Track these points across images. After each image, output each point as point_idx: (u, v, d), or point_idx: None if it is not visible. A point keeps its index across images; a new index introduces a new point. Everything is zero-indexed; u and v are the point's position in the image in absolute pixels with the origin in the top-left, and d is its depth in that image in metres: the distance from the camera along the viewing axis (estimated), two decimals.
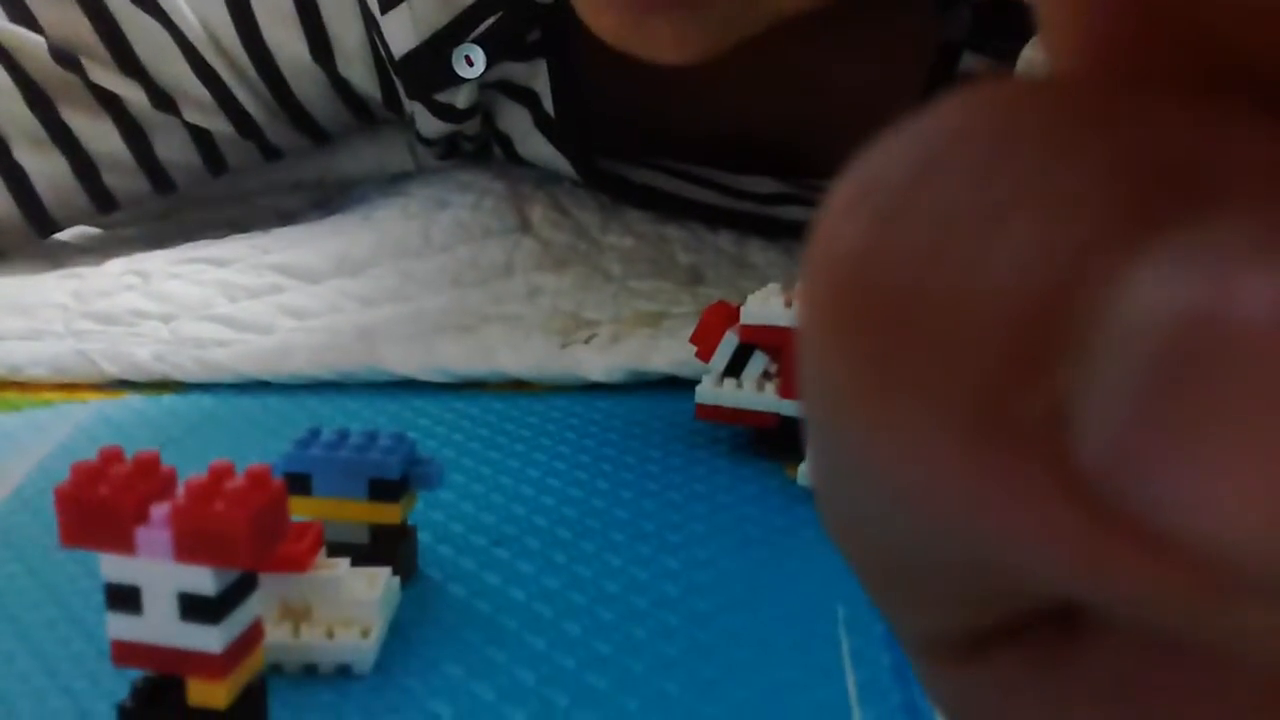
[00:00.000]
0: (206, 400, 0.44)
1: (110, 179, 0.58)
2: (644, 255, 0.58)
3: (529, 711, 0.25)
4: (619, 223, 0.61)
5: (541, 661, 0.27)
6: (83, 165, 0.57)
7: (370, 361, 0.45)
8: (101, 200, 0.58)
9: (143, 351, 0.46)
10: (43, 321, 0.49)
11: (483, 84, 0.58)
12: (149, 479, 0.22)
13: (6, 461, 0.38)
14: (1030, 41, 0.36)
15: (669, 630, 0.28)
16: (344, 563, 0.27)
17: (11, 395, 0.44)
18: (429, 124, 0.60)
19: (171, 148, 0.58)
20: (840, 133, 0.63)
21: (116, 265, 0.54)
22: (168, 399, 0.44)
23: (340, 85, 0.59)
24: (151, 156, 0.58)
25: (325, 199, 0.65)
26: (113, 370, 0.45)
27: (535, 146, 0.61)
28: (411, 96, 0.58)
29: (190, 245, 0.56)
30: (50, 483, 0.35)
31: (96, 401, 0.44)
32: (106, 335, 0.47)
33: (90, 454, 0.22)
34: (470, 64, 0.55)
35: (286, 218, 0.63)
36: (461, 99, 0.57)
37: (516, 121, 0.61)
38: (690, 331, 0.39)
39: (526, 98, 0.59)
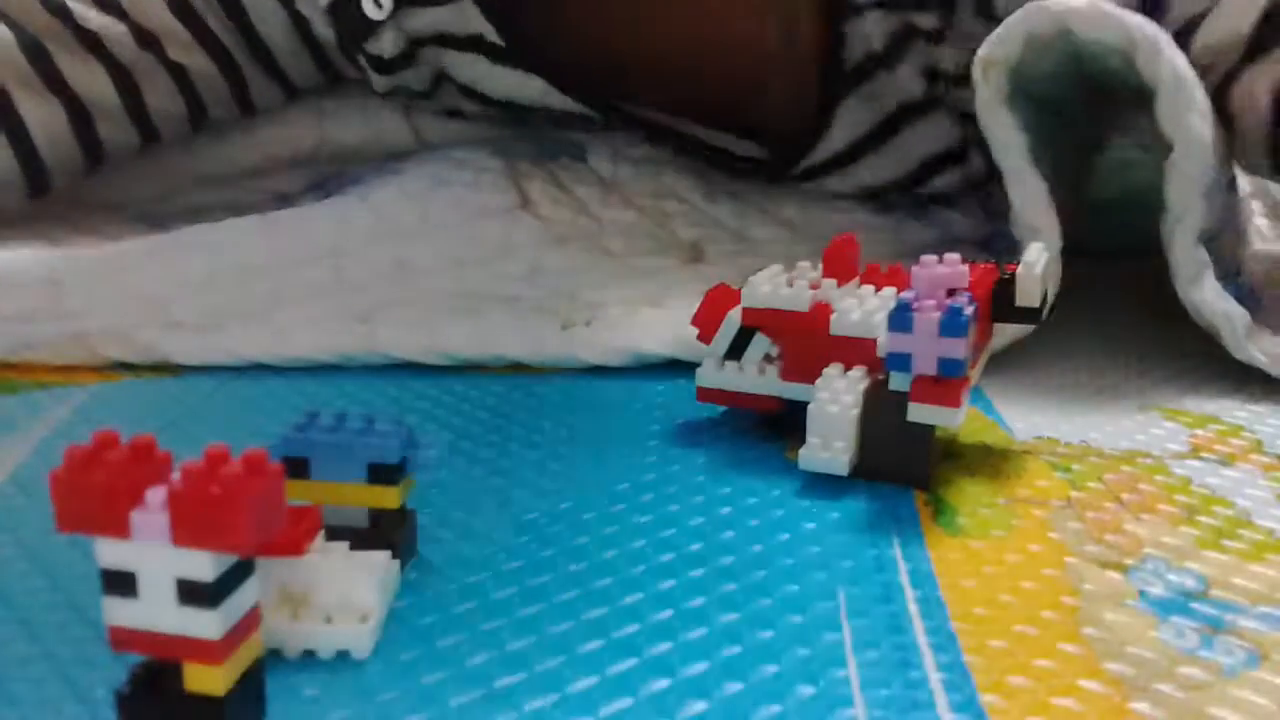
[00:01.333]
0: (204, 383, 0.43)
1: (103, 128, 0.58)
2: (644, 230, 0.58)
3: (531, 693, 0.25)
4: (619, 197, 0.60)
5: (542, 644, 0.26)
6: (77, 113, 0.57)
7: (370, 345, 0.45)
8: (92, 151, 0.59)
9: (142, 334, 0.45)
10: (40, 303, 0.49)
11: (423, 41, 0.60)
12: (145, 463, 0.22)
13: (3, 444, 0.38)
14: (1035, 247, 0.36)
15: (672, 613, 0.28)
16: (343, 547, 0.27)
17: (8, 378, 0.44)
18: (374, 80, 0.61)
19: (158, 93, 0.59)
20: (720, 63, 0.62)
21: (114, 247, 0.54)
22: (165, 381, 0.44)
23: (302, 28, 0.60)
24: (140, 103, 0.59)
25: (321, 179, 0.65)
26: (112, 353, 0.45)
27: (501, 80, 0.61)
28: (342, 48, 0.60)
29: (189, 229, 0.56)
30: (47, 466, 0.35)
31: (94, 384, 0.43)
32: (105, 317, 0.47)
33: (87, 437, 0.22)
34: (379, 6, 0.57)
35: (284, 200, 0.62)
36: (386, 46, 0.59)
37: (473, 67, 0.61)
38: (691, 312, 0.38)
39: (470, 44, 0.60)
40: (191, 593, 0.21)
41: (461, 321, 0.47)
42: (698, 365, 0.38)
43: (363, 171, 0.64)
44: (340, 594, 0.26)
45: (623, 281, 0.52)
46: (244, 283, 0.51)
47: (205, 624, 0.21)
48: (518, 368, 0.45)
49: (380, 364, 0.45)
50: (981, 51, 0.43)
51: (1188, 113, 0.40)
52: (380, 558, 0.27)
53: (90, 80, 0.57)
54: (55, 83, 0.56)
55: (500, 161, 0.62)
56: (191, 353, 0.45)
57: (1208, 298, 0.41)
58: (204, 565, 0.21)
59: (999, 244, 0.60)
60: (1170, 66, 0.40)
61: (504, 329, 0.46)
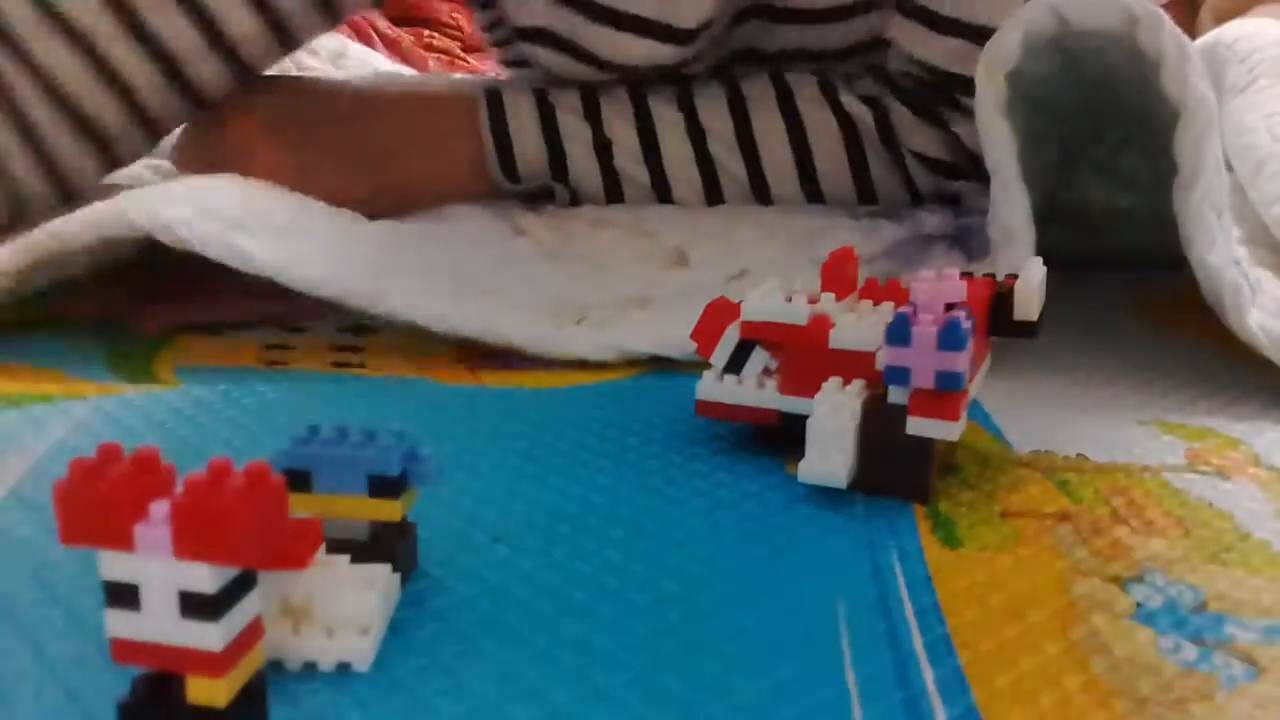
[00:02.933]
0: (206, 395, 0.43)
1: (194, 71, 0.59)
2: (631, 243, 0.60)
3: (530, 709, 0.25)
4: (608, 223, 0.63)
5: (542, 658, 0.26)
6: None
7: (380, 302, 0.46)
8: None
9: (171, 211, 0.46)
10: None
11: None
12: (148, 476, 0.22)
13: (6, 458, 0.38)
14: (1034, 262, 0.37)
15: (669, 627, 0.28)
16: (343, 560, 0.27)
17: (12, 391, 0.44)
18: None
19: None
20: None
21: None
22: (167, 394, 0.44)
23: None
24: (221, 38, 0.59)
25: None
26: (143, 224, 0.45)
27: None
28: None
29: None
30: (50, 478, 0.35)
31: (96, 397, 0.44)
32: (141, 194, 0.48)
33: (90, 450, 0.22)
34: None
35: None
36: None
37: None
38: (677, 312, 0.39)
39: None
40: (193, 605, 0.21)
41: (466, 300, 0.49)
42: (685, 363, 0.39)
43: None
44: (341, 607, 0.26)
45: (613, 286, 0.53)
46: (274, 206, 0.52)
47: (207, 636, 0.22)
48: (517, 378, 0.45)
49: (384, 365, 0.46)
50: (983, 56, 0.44)
51: (1193, 77, 0.41)
52: (380, 570, 0.27)
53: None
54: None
55: (492, 209, 0.65)
56: (221, 252, 0.45)
57: (1221, 263, 0.41)
58: (205, 578, 0.21)
59: (972, 240, 0.61)
60: (1173, 35, 0.41)
61: (505, 314, 0.48)
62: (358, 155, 0.65)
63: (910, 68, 0.68)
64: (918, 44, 0.66)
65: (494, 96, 0.68)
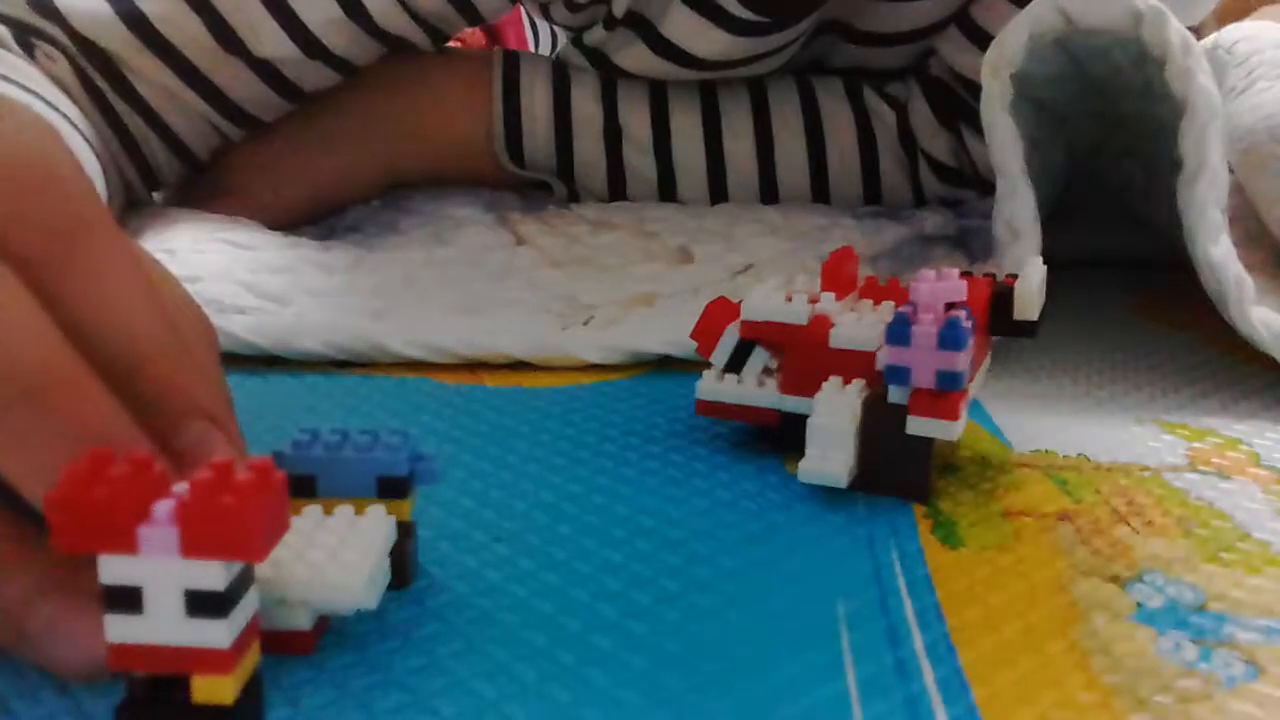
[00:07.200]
0: None
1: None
2: (634, 245, 0.60)
3: (530, 708, 0.25)
4: (607, 227, 0.63)
5: (542, 658, 0.27)
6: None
7: (378, 342, 0.46)
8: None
9: None
10: None
11: None
12: (145, 478, 0.22)
13: None
14: (1034, 261, 0.37)
15: (669, 626, 0.28)
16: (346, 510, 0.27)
17: None
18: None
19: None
20: None
21: (148, 244, 0.55)
22: None
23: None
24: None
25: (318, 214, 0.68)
26: None
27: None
28: None
29: (216, 225, 0.57)
30: None
31: None
32: None
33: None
34: None
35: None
36: None
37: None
38: (684, 309, 0.39)
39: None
40: (202, 603, 0.21)
41: (464, 320, 0.49)
42: (693, 365, 0.39)
43: (360, 218, 0.66)
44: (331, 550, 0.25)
45: (617, 286, 0.53)
46: (266, 273, 0.53)
47: (215, 634, 0.21)
48: (517, 378, 0.45)
49: (383, 364, 0.46)
50: (989, 54, 0.44)
51: (1197, 72, 0.41)
52: (377, 513, 0.27)
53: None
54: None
55: (493, 215, 0.65)
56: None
57: (1224, 256, 0.41)
58: (216, 575, 0.21)
59: (973, 241, 0.61)
60: (1177, 31, 0.41)
61: (505, 328, 0.48)
62: (372, 119, 0.65)
63: (945, 75, 0.69)
64: (964, 58, 0.66)
65: (510, 59, 0.68)
